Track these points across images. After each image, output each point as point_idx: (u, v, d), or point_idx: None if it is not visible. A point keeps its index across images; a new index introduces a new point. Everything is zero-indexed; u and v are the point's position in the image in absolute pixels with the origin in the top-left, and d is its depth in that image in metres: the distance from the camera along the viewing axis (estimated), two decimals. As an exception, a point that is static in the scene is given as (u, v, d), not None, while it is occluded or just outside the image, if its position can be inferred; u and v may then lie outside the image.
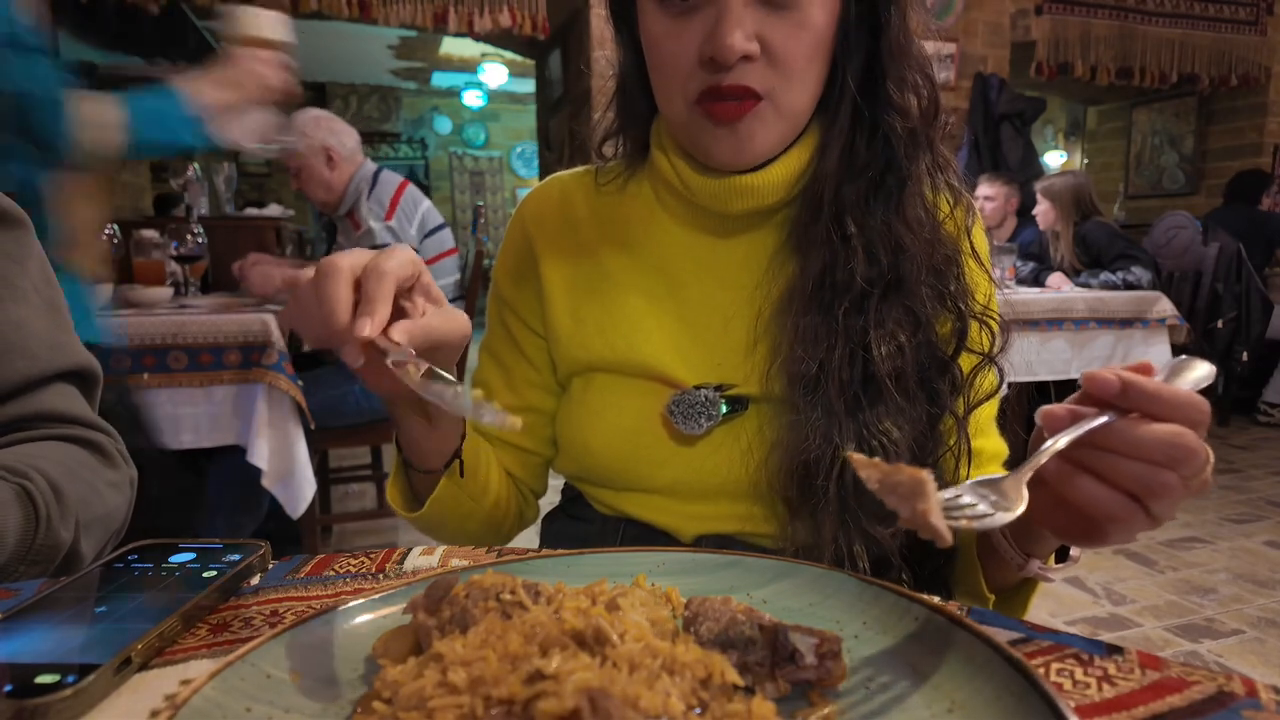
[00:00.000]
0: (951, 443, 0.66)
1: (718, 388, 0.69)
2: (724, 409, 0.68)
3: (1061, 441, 0.44)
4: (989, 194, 3.74)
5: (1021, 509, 0.42)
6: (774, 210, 0.70)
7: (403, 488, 0.73)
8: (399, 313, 0.52)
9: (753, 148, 0.65)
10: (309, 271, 0.50)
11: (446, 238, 2.54)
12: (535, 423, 0.80)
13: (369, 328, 0.46)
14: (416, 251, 2.63)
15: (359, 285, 0.49)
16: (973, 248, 0.70)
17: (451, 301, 2.54)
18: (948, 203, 0.70)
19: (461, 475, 0.70)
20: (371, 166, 2.51)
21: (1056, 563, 0.58)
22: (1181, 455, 0.42)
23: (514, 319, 0.79)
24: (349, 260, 0.49)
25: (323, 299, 0.47)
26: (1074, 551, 0.58)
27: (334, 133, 2.46)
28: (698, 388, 0.69)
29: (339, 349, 0.48)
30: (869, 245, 0.65)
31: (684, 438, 0.69)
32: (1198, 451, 0.42)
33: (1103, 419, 0.43)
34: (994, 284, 0.72)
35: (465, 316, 0.57)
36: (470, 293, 2.59)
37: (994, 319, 0.68)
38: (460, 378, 0.61)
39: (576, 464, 0.76)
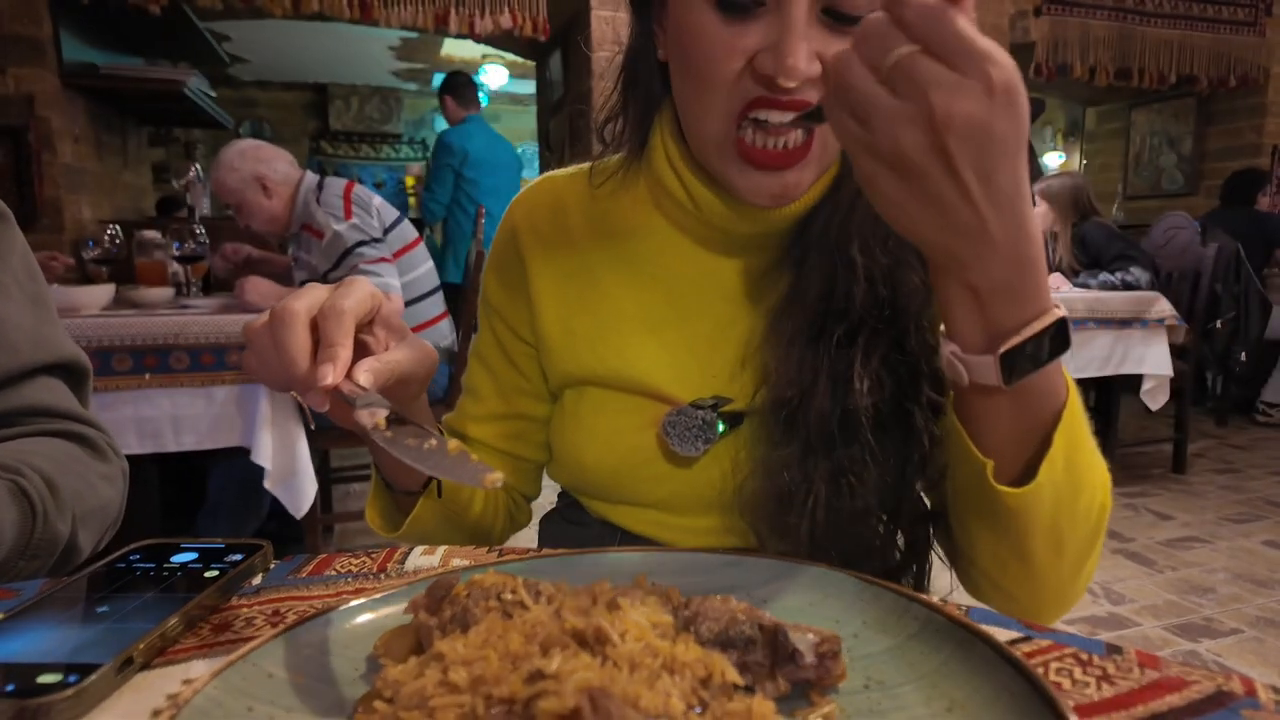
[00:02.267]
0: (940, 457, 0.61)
1: (714, 405, 0.67)
2: (720, 429, 0.66)
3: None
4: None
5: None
6: (782, 229, 0.67)
7: (382, 508, 0.71)
8: (361, 348, 0.50)
9: (796, 193, 0.62)
10: (270, 312, 0.47)
11: (408, 229, 2.49)
12: (526, 430, 0.78)
13: (331, 375, 0.44)
14: (381, 242, 2.55)
15: (317, 326, 0.47)
16: None
17: (432, 292, 2.52)
18: None
19: (439, 495, 0.68)
20: (313, 176, 2.41)
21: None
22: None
23: (503, 327, 0.77)
24: (304, 302, 0.47)
25: (280, 348, 0.46)
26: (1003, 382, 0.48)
27: (262, 160, 2.36)
28: (694, 405, 0.67)
29: (302, 396, 0.47)
30: (871, 275, 0.62)
31: (680, 458, 0.67)
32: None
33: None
34: None
35: (429, 346, 0.55)
36: (471, 294, 2.58)
37: None
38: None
39: (571, 476, 0.75)
